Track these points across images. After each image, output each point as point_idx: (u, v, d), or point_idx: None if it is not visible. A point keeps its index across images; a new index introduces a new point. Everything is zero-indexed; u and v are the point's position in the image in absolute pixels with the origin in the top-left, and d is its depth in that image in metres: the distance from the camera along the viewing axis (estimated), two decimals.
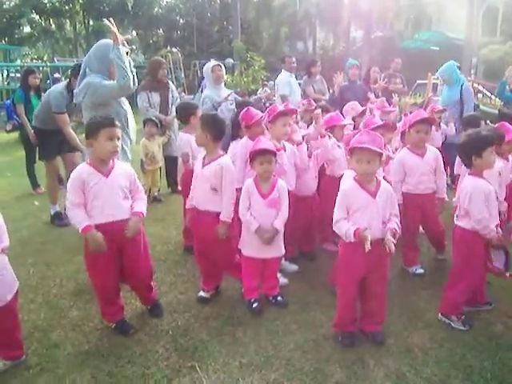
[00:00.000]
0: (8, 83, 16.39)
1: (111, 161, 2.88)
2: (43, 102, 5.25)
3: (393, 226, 2.71)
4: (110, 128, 2.81)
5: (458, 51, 18.44)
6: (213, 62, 5.84)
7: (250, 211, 3.20)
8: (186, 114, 4.36)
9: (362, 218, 2.69)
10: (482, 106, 10.09)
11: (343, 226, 2.69)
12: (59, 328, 3.10)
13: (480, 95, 12.62)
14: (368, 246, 2.49)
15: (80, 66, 4.01)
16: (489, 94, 12.31)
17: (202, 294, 3.48)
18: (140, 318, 3.22)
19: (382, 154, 2.68)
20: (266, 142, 3.24)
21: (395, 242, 2.64)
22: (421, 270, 3.90)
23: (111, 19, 3.64)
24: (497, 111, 7.83)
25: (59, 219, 5.18)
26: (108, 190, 2.80)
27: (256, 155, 3.13)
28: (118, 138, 2.86)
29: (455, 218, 3.09)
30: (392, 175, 3.85)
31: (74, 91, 3.92)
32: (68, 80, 5.04)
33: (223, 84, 5.82)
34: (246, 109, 3.82)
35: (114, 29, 3.54)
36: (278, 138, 3.60)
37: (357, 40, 26.85)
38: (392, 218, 2.77)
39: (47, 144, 5.28)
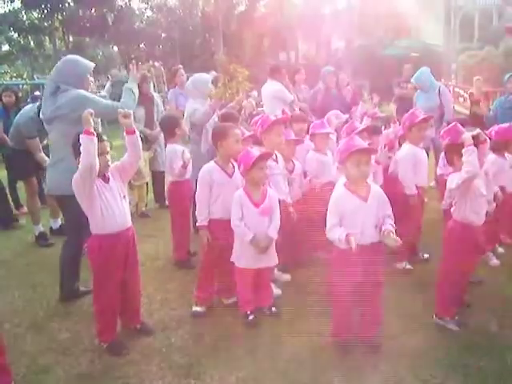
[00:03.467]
0: None
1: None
2: (15, 125, 5.18)
3: (387, 227, 2.69)
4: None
5: (438, 57, 18.75)
6: (212, 75, 5.81)
7: (243, 221, 3.16)
8: (170, 126, 4.33)
9: (355, 223, 2.69)
10: (456, 106, 10.34)
11: (336, 233, 2.69)
12: (48, 352, 3.00)
13: (461, 99, 12.84)
14: (353, 247, 2.52)
15: None
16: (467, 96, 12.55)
17: (196, 308, 3.42)
18: (131, 337, 3.13)
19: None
20: (257, 149, 3.29)
21: (396, 240, 2.61)
22: (409, 266, 4.01)
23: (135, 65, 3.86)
24: (468, 112, 8.01)
25: (44, 239, 5.07)
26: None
27: (257, 161, 3.10)
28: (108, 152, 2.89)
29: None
30: (402, 170, 4.00)
31: (43, 107, 3.67)
32: (39, 103, 4.75)
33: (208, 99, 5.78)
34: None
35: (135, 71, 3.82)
36: (273, 148, 3.57)
37: (339, 49, 27.14)
38: (386, 219, 2.75)
39: (24, 163, 5.21)
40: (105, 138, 2.91)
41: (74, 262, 3.62)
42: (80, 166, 2.72)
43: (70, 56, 3.80)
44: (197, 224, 3.40)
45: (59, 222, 5.31)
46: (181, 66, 7.27)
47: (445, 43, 19.80)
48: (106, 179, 2.90)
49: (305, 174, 4.16)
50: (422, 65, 6.85)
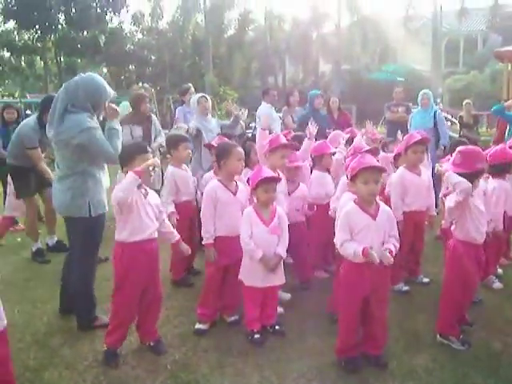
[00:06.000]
0: None
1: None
2: (14, 139, 5.05)
3: (388, 246, 2.77)
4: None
5: (424, 81, 19.29)
6: (199, 94, 5.89)
7: (252, 240, 3.17)
8: (174, 144, 4.29)
9: (364, 240, 2.73)
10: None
11: (350, 247, 2.72)
12: (51, 367, 2.95)
13: (448, 123, 13.15)
14: (377, 261, 2.61)
15: (50, 99, 3.66)
16: (455, 121, 12.86)
17: (200, 326, 3.40)
18: (136, 353, 3.11)
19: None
20: (267, 169, 3.29)
21: (392, 258, 2.71)
22: (406, 288, 4.01)
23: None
24: (457, 135, 8.20)
25: (41, 256, 5.03)
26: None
27: (261, 183, 3.14)
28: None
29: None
30: (392, 194, 3.99)
31: (48, 126, 3.40)
32: (38, 113, 4.82)
33: (210, 115, 5.85)
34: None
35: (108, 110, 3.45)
36: (274, 168, 3.56)
37: (326, 73, 27.69)
38: (390, 239, 2.82)
39: (25, 181, 5.09)
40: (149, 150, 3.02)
41: (87, 285, 3.44)
42: (115, 194, 2.83)
43: (90, 75, 3.38)
44: (203, 242, 3.41)
45: (55, 238, 5.29)
46: (190, 84, 7.31)
47: (431, 68, 20.36)
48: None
49: None
50: (408, 89, 7.05)
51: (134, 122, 5.85)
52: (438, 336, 3.16)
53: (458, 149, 3.05)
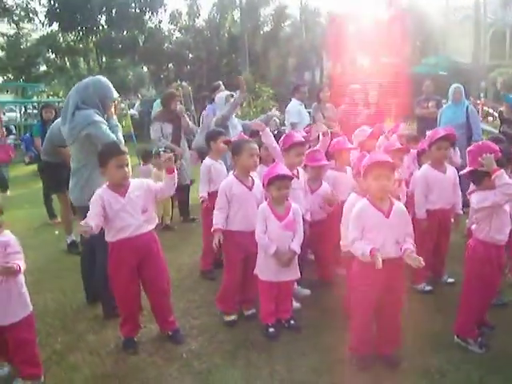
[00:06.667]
0: (25, 119, 16.90)
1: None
2: (48, 136, 5.40)
3: (408, 246, 2.73)
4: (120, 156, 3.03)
5: (467, 75, 18.59)
6: (226, 92, 6.02)
7: (266, 234, 3.25)
8: (213, 138, 4.45)
9: (376, 238, 2.72)
10: (485, 126, 10.14)
11: (359, 246, 2.72)
12: (77, 351, 3.16)
13: (490, 118, 12.65)
14: (379, 266, 2.55)
15: None
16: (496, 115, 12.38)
17: (228, 318, 3.50)
18: (155, 341, 3.26)
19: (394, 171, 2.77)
20: (283, 167, 3.33)
21: (419, 260, 2.63)
22: (429, 287, 3.93)
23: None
24: (497, 131, 7.88)
25: (75, 248, 5.29)
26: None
27: (274, 180, 3.19)
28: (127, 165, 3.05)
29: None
30: (415, 191, 3.93)
31: (62, 123, 3.71)
32: None
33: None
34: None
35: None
36: (290, 167, 3.55)
37: (365, 67, 27.23)
38: (406, 238, 2.79)
39: (57, 177, 5.35)
40: (125, 150, 3.09)
41: None
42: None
43: (98, 77, 3.78)
44: (212, 229, 3.46)
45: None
46: (220, 82, 7.45)
47: (474, 60, 19.57)
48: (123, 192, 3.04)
49: None
50: (450, 83, 6.83)
51: (164, 120, 6.06)
52: (456, 337, 3.11)
53: (468, 149, 3.00)
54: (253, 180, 3.52)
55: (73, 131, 3.52)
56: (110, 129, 3.57)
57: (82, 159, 3.59)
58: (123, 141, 3.61)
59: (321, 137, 4.49)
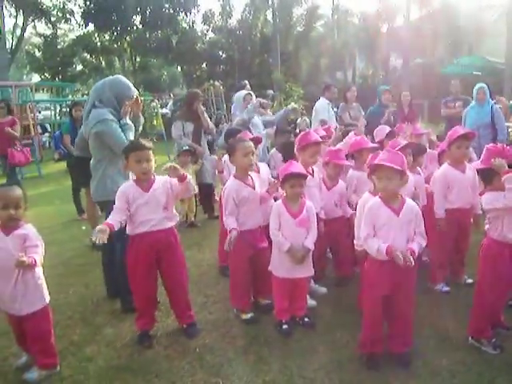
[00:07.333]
0: (60, 117, 17.44)
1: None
2: (81, 131, 5.57)
3: (412, 246, 2.73)
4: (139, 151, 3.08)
5: (501, 75, 18.02)
6: (244, 91, 6.06)
7: (280, 232, 3.27)
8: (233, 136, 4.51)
9: (386, 236, 2.72)
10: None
11: (374, 243, 2.73)
12: (93, 343, 3.26)
13: None
14: (401, 261, 2.58)
15: None
16: None
17: (245, 316, 3.51)
18: (170, 335, 3.33)
19: (402, 171, 2.72)
20: (298, 165, 3.34)
21: (412, 260, 2.63)
22: (447, 288, 3.88)
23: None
24: None
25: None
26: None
27: (288, 178, 3.21)
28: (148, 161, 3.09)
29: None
30: (435, 191, 3.87)
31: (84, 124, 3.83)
32: None
33: None
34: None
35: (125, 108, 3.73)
36: (305, 166, 3.55)
37: (397, 68, 26.77)
38: (416, 237, 2.78)
39: (87, 172, 5.52)
40: (147, 145, 3.11)
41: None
42: None
43: (117, 76, 3.89)
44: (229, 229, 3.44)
45: None
46: (247, 81, 7.51)
47: (507, 60, 18.92)
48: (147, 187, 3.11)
49: None
50: (486, 83, 6.64)
51: (186, 119, 6.15)
52: (470, 338, 3.07)
53: (487, 146, 2.94)
54: (252, 178, 3.49)
55: (86, 128, 3.71)
56: (120, 127, 3.64)
57: (97, 155, 3.73)
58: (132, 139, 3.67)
59: (346, 138, 4.50)
